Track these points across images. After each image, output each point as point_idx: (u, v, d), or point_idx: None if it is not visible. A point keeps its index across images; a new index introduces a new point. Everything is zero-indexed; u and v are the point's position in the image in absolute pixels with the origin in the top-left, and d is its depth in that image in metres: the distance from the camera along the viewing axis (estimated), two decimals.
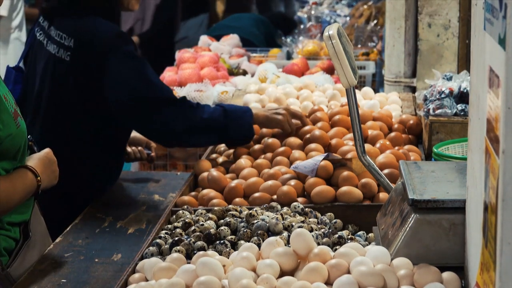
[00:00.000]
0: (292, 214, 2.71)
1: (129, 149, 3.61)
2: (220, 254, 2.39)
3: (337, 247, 2.35)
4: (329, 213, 2.77)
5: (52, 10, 3.32)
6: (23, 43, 7.03)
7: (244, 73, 5.35)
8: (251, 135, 3.37)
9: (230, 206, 2.80)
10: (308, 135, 3.34)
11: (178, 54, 5.32)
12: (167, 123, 3.21)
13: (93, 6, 3.25)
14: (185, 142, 3.34)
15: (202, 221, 2.66)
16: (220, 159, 3.46)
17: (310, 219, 2.70)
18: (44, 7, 3.37)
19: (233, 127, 3.30)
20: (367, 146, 3.24)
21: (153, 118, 3.20)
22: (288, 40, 6.62)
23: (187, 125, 3.24)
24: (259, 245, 2.35)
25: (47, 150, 2.71)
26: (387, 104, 3.99)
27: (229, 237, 2.54)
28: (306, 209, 2.76)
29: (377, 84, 5.76)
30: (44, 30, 3.33)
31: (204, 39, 6.02)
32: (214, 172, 3.14)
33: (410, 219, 2.17)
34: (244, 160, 3.28)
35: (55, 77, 3.26)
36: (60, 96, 3.26)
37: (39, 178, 2.59)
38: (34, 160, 2.63)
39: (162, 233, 2.63)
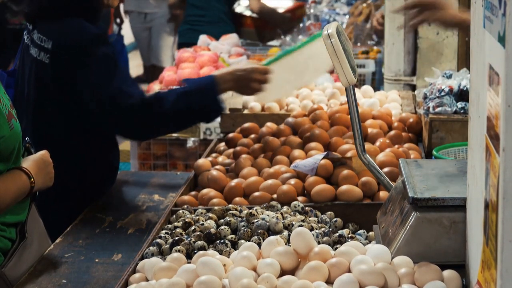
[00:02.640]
0: (292, 213, 2.71)
1: None
2: (221, 254, 2.39)
3: (338, 246, 2.35)
4: (329, 212, 2.77)
5: (34, 14, 3.32)
6: None
7: None
8: (222, 108, 3.28)
9: (230, 205, 2.80)
10: (307, 134, 3.33)
11: (178, 54, 5.32)
12: (137, 128, 3.24)
13: (73, 7, 3.25)
14: (160, 135, 3.45)
15: (202, 221, 2.66)
16: (220, 159, 3.45)
17: (310, 218, 2.69)
18: (26, 12, 3.37)
19: (200, 108, 3.24)
20: (367, 144, 3.24)
21: (124, 124, 3.23)
22: (287, 39, 6.62)
23: (156, 124, 3.25)
24: (259, 245, 2.34)
25: (43, 152, 2.71)
26: (387, 102, 3.99)
27: (229, 236, 2.53)
28: (306, 208, 2.76)
29: (377, 82, 5.75)
30: (29, 33, 3.35)
31: (203, 38, 6.01)
32: (214, 172, 3.14)
33: (411, 217, 2.17)
34: (244, 160, 3.27)
35: (38, 80, 3.27)
36: (44, 98, 3.27)
37: (32, 179, 2.59)
38: (28, 162, 2.63)
39: (162, 233, 2.62)
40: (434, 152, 3.10)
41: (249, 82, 3.30)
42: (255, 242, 2.39)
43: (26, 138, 2.72)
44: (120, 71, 3.23)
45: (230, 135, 3.61)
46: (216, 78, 3.27)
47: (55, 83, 3.22)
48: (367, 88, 4.14)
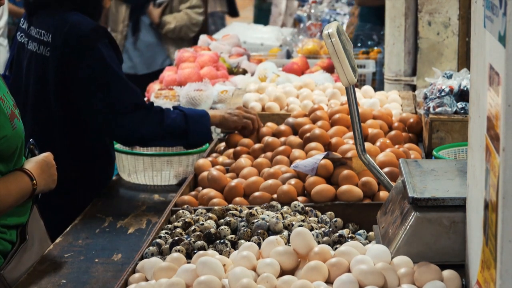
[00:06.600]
0: (292, 213, 2.71)
1: None
2: (220, 254, 2.39)
3: (338, 246, 2.35)
4: (329, 212, 2.77)
5: (33, 4, 3.33)
6: (5, 48, 7.08)
7: (244, 72, 5.34)
8: (210, 138, 3.47)
9: (230, 205, 2.80)
10: (308, 134, 3.33)
11: (178, 54, 5.31)
12: (134, 128, 3.26)
13: (72, 1, 3.27)
14: (149, 145, 3.42)
15: (202, 221, 2.66)
16: (220, 159, 3.45)
17: (310, 218, 2.69)
18: (27, 2, 3.40)
19: (193, 131, 3.36)
20: (367, 144, 3.24)
21: (120, 122, 3.24)
22: (288, 39, 6.62)
23: (152, 130, 3.29)
24: (259, 244, 2.34)
25: (46, 154, 2.70)
26: (387, 102, 3.99)
27: (229, 236, 2.53)
28: (306, 208, 2.76)
29: (377, 82, 5.75)
30: (24, 32, 3.36)
31: (203, 38, 6.01)
32: (214, 172, 3.13)
33: (411, 217, 2.17)
34: (244, 159, 3.27)
35: (38, 74, 3.28)
36: (44, 92, 3.28)
37: (34, 181, 2.58)
38: (31, 163, 2.62)
39: (162, 233, 2.62)
40: (434, 152, 3.10)
41: (235, 127, 3.53)
42: (255, 242, 2.39)
43: (31, 140, 2.72)
44: (120, 72, 3.24)
45: (230, 135, 3.60)
46: (209, 113, 3.45)
47: (56, 75, 3.23)
48: (368, 88, 4.14)
